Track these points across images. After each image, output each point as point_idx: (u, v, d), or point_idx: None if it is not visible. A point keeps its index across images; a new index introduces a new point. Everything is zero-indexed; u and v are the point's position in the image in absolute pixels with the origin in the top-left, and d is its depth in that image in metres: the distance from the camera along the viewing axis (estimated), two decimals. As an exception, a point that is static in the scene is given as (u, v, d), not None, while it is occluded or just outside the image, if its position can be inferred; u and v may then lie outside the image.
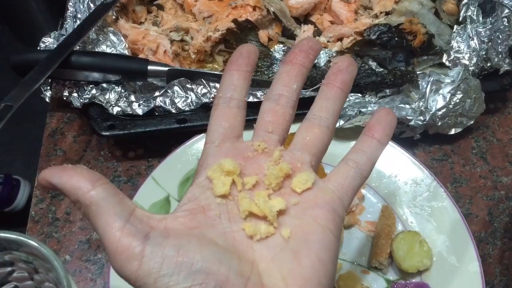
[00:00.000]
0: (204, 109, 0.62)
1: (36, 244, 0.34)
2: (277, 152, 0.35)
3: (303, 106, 0.63)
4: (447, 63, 0.66)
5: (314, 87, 0.63)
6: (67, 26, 0.67)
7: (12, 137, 1.47)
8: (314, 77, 0.63)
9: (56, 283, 0.36)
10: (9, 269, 0.38)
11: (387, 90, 0.64)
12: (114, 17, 0.70)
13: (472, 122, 0.65)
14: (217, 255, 0.29)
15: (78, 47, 0.63)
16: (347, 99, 0.62)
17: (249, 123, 0.38)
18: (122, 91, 0.63)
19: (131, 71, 0.62)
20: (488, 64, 0.67)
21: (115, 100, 0.62)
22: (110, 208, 0.29)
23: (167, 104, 0.62)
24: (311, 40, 0.40)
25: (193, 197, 0.33)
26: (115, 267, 0.29)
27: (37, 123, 0.81)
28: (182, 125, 0.61)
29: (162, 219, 0.31)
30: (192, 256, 0.28)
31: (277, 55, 0.66)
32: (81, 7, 0.68)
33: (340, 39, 0.70)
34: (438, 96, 0.63)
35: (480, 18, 0.69)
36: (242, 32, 0.68)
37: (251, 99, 0.62)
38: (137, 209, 0.30)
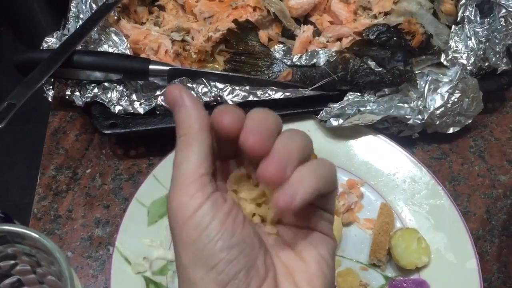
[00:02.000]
0: (204, 108, 0.62)
1: (38, 237, 0.35)
2: None
3: (304, 105, 0.65)
4: (445, 63, 0.67)
5: (314, 86, 0.64)
6: (70, 26, 0.67)
7: (14, 138, 1.48)
8: (314, 76, 0.64)
9: (59, 276, 0.37)
10: (12, 262, 0.38)
11: (386, 89, 0.64)
12: (116, 17, 0.70)
13: (470, 121, 0.66)
14: (253, 238, 0.30)
15: (80, 47, 0.64)
16: (346, 98, 0.63)
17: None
18: (124, 90, 0.63)
19: (132, 70, 0.63)
20: (486, 64, 0.67)
21: (117, 99, 0.63)
22: (208, 155, 0.30)
23: (168, 103, 0.62)
24: None
25: None
26: (172, 204, 0.29)
27: (39, 124, 0.82)
28: (183, 124, 0.62)
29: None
30: (235, 229, 0.29)
31: (277, 55, 0.67)
32: (84, 7, 0.68)
33: (340, 39, 0.71)
34: (436, 95, 0.64)
35: (478, 18, 0.70)
36: (242, 32, 0.68)
37: (251, 97, 0.63)
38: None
